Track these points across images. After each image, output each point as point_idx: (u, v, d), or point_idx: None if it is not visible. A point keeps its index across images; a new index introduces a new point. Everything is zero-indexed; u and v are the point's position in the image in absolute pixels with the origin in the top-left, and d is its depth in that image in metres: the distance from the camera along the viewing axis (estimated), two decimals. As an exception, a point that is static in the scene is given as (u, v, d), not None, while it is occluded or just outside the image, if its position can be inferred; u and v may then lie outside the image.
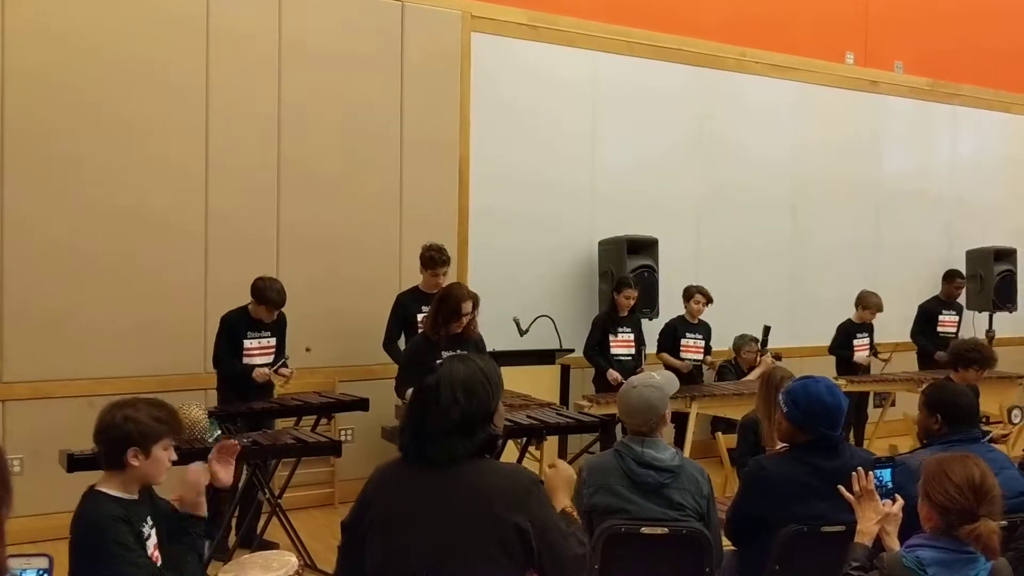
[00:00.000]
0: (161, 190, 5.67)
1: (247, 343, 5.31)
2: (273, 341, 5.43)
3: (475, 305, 5.08)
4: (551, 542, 2.31)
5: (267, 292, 5.20)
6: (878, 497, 2.77)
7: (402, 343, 5.83)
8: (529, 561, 2.31)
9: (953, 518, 2.40)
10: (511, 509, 2.26)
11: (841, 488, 2.79)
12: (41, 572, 2.44)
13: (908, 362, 8.04)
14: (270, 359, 5.43)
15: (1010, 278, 8.73)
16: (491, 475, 2.34)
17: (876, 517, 2.71)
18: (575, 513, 2.59)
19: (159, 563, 2.76)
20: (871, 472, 2.82)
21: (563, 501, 2.61)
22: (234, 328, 5.29)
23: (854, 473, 2.80)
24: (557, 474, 2.67)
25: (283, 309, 5.39)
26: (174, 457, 2.85)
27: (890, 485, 2.88)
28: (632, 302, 6.62)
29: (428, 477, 2.32)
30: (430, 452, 2.32)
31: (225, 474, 2.97)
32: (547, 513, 2.35)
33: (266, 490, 5.03)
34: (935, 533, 2.46)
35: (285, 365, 5.42)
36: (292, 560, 3.31)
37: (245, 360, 5.31)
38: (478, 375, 2.37)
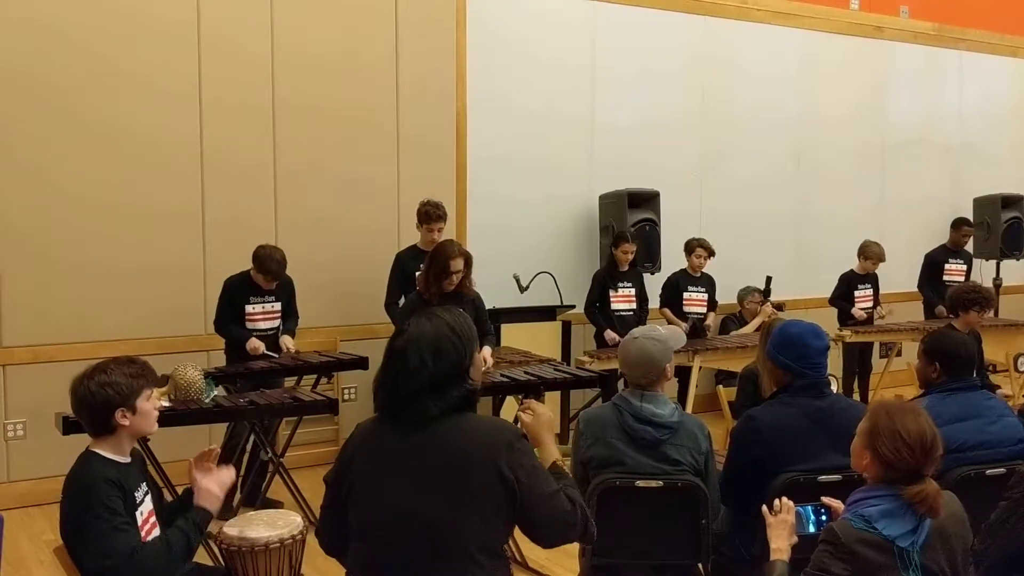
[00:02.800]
0: (156, 152, 5.62)
1: (249, 308, 5.31)
2: (278, 305, 5.42)
3: (468, 263, 5.02)
4: (536, 498, 2.27)
5: (267, 263, 5.18)
6: (792, 521, 2.67)
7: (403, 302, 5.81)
8: (514, 516, 2.29)
9: (899, 475, 2.36)
10: (493, 464, 2.23)
11: (764, 508, 2.70)
12: None
13: (914, 312, 8.00)
14: (275, 323, 5.43)
15: (1018, 225, 8.63)
16: (471, 431, 2.30)
17: (790, 539, 2.62)
18: (564, 467, 2.51)
19: (155, 528, 2.77)
20: (790, 503, 2.71)
21: (551, 452, 2.52)
22: (236, 293, 5.29)
23: (776, 500, 2.72)
24: (536, 421, 2.56)
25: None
26: (159, 404, 2.88)
27: (810, 529, 2.73)
28: (631, 256, 6.57)
29: (408, 436, 2.30)
30: (405, 414, 2.30)
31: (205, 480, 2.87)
32: (531, 468, 2.29)
33: (268, 449, 5.05)
34: (875, 483, 2.42)
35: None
36: (297, 520, 3.31)
37: (248, 325, 5.32)
38: (445, 332, 2.32)
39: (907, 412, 2.43)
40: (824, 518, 2.73)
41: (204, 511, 2.81)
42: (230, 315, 5.30)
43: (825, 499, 2.73)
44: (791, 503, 2.67)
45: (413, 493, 2.24)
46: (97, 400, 2.70)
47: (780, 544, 2.61)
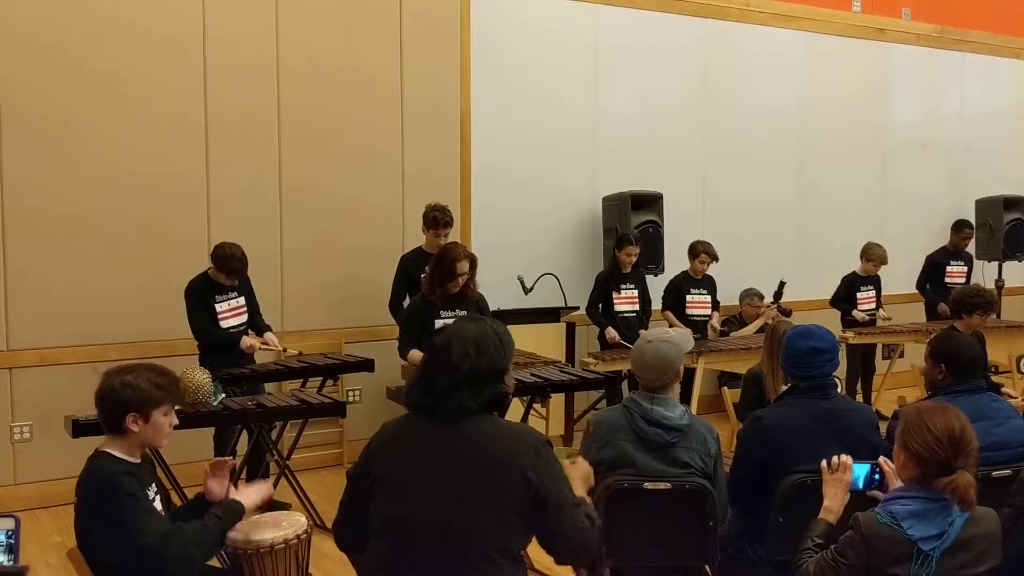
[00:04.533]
0: (162, 154, 5.64)
1: (218, 307, 5.30)
2: (242, 300, 5.41)
3: (472, 266, 5.05)
4: (557, 505, 2.28)
5: (230, 262, 5.17)
6: (849, 479, 2.72)
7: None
8: (535, 522, 2.29)
9: (930, 469, 2.39)
10: (519, 467, 2.25)
11: (823, 464, 2.76)
12: (8, 533, 2.46)
13: (916, 313, 8.01)
14: (244, 319, 5.42)
15: (1020, 227, 8.63)
16: (498, 433, 2.33)
17: (844, 499, 2.68)
18: (590, 503, 2.54)
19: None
20: (848, 460, 2.77)
21: (578, 492, 2.55)
22: (201, 294, 5.28)
23: (835, 456, 2.78)
24: (575, 468, 2.66)
25: (288, 271, 5.36)
26: (175, 422, 2.85)
27: (859, 485, 2.80)
28: (634, 259, 6.58)
29: (435, 433, 2.32)
30: (439, 407, 2.32)
31: (219, 488, 2.90)
32: (555, 475, 2.31)
33: (273, 452, 5.06)
34: (910, 483, 2.46)
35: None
36: (302, 520, 3.32)
37: (222, 323, 5.31)
38: (490, 333, 2.38)
39: (935, 409, 2.48)
40: (877, 478, 2.78)
41: (238, 505, 2.85)
42: (208, 317, 5.28)
43: (883, 460, 2.76)
44: (849, 460, 2.72)
45: (436, 490, 2.26)
46: (114, 398, 2.71)
47: (832, 504, 2.69)
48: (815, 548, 2.59)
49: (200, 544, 2.68)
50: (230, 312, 5.36)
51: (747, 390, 4.41)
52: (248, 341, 5.32)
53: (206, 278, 5.31)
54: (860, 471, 2.78)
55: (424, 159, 6.45)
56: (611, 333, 6.37)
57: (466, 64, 6.61)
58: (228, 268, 5.20)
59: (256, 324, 5.52)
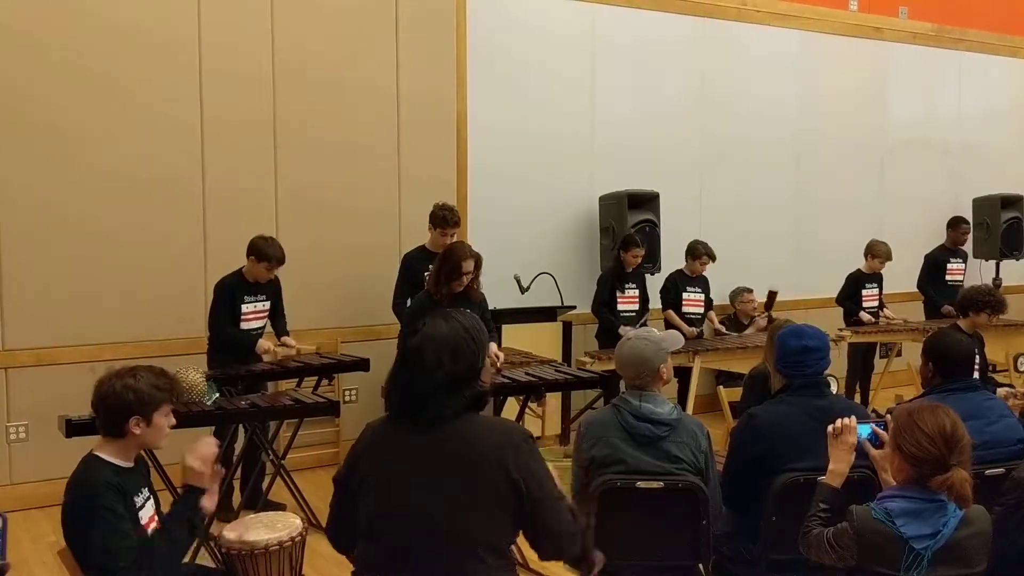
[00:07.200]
0: (158, 152, 5.63)
1: (244, 307, 5.30)
2: (268, 304, 5.41)
3: (477, 265, 5.06)
4: (540, 500, 2.28)
5: (268, 249, 5.16)
6: (853, 442, 2.75)
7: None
8: (521, 515, 2.29)
9: (925, 468, 2.40)
10: (502, 463, 2.25)
11: (830, 428, 2.79)
12: None
13: (914, 312, 8.01)
14: (264, 323, 5.42)
15: (1017, 225, 8.65)
16: (481, 430, 2.33)
17: (849, 461, 2.71)
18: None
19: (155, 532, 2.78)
20: (851, 422, 2.80)
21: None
22: (232, 293, 5.27)
23: (839, 420, 2.81)
24: None
25: (285, 271, 5.37)
26: (173, 422, 2.86)
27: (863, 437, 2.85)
28: (639, 260, 6.60)
29: (417, 436, 2.32)
30: (419, 414, 2.31)
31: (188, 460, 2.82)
32: (537, 470, 2.31)
33: (268, 451, 5.06)
34: (906, 484, 2.46)
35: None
36: (296, 521, 3.33)
37: (243, 324, 5.30)
38: (461, 333, 2.35)
39: (925, 408, 2.49)
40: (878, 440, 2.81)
41: (193, 489, 2.79)
42: (229, 316, 5.28)
43: (888, 416, 2.78)
44: (853, 422, 2.75)
45: (421, 491, 2.26)
46: (117, 401, 2.71)
47: (837, 467, 2.74)
48: (820, 514, 2.63)
49: (170, 554, 2.67)
50: (254, 315, 5.36)
51: (752, 387, 4.37)
52: (265, 344, 5.31)
53: (240, 276, 5.29)
54: (863, 432, 2.82)
55: (421, 159, 6.44)
56: (625, 330, 6.35)
57: (463, 63, 6.61)
58: (265, 255, 5.15)
59: (277, 327, 5.52)
